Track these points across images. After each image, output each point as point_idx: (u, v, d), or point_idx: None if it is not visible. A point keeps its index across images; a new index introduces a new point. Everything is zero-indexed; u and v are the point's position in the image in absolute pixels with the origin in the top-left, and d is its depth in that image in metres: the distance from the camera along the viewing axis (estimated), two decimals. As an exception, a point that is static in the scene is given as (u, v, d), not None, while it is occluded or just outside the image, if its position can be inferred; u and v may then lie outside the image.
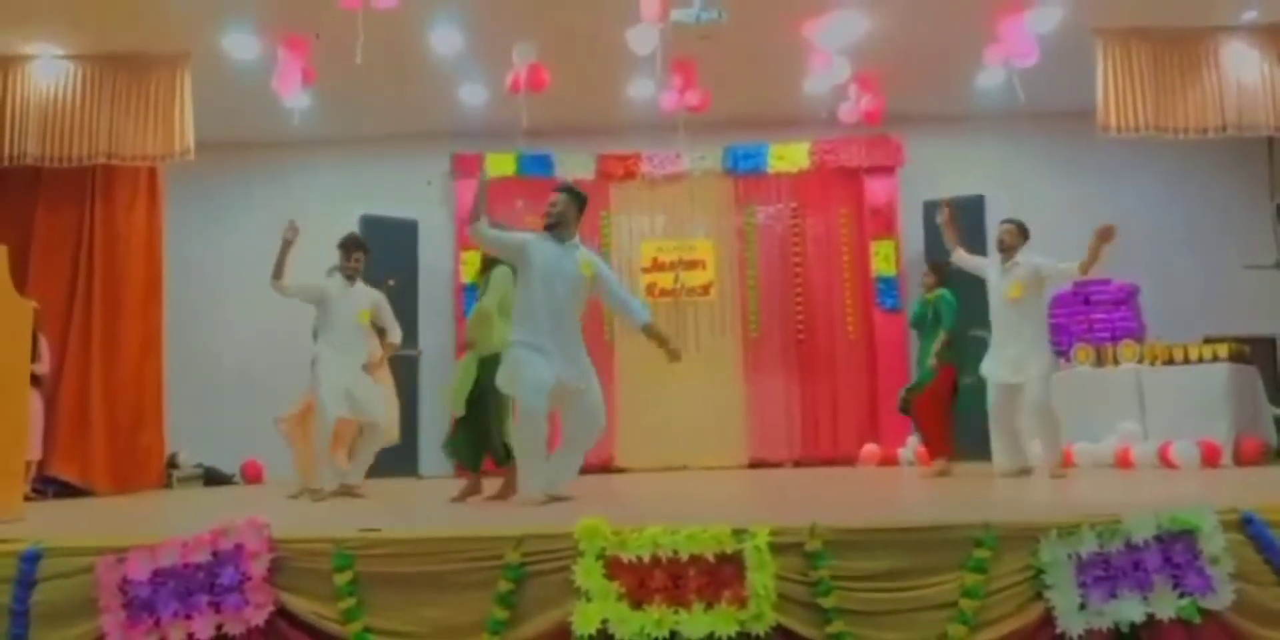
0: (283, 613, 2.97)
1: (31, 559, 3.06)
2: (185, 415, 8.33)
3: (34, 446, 6.55)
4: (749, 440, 9.22)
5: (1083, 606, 2.88)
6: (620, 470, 8.78)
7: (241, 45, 7.25)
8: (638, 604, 2.87)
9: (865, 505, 4.38)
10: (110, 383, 7.62)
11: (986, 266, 6.34)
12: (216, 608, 2.92)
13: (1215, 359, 6.99)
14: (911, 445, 8.35)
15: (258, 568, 2.95)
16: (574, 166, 9.40)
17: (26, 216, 7.65)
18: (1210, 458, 6.44)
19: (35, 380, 6.17)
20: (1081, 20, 7.26)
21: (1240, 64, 7.49)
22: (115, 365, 7.66)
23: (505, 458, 5.19)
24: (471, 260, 9.21)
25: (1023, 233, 6.20)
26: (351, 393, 5.84)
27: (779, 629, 2.87)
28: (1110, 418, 7.07)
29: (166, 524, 4.29)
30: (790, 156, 9.34)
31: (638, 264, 9.51)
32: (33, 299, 5.42)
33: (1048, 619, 2.89)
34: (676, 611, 2.86)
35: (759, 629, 2.84)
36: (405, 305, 8.12)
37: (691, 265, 9.46)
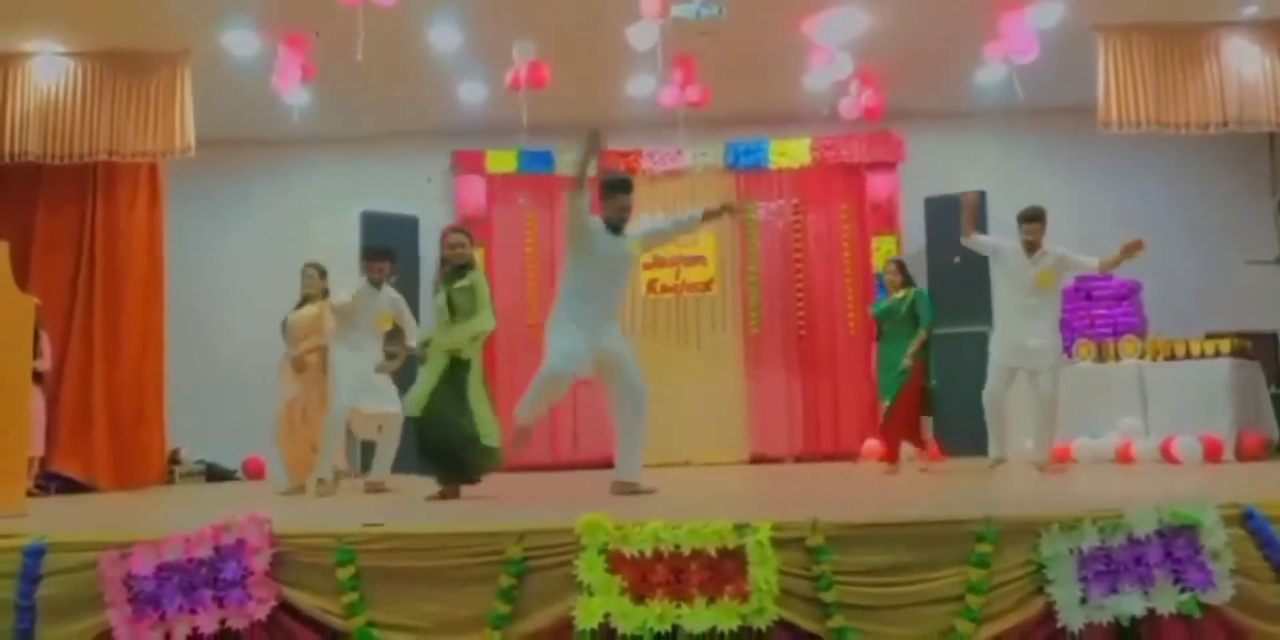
0: (286, 607, 2.98)
1: (35, 554, 3.08)
2: (187, 411, 8.34)
3: (36, 443, 6.56)
4: (750, 436, 9.23)
5: (1084, 601, 2.88)
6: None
7: (241, 42, 7.25)
8: (640, 598, 2.88)
9: (867, 500, 4.39)
10: (112, 379, 7.64)
11: (1004, 252, 6.19)
12: (220, 602, 2.93)
13: (1217, 354, 6.99)
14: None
15: (259, 563, 2.95)
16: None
17: (28, 213, 7.66)
18: (1212, 453, 6.44)
19: (37, 377, 6.18)
20: (1082, 16, 7.26)
21: (1241, 59, 7.48)
22: (117, 362, 7.68)
23: (479, 467, 5.05)
24: (473, 257, 9.24)
25: (1045, 225, 6.11)
26: (369, 387, 5.87)
27: (781, 623, 2.88)
28: (1112, 413, 7.07)
29: (169, 520, 4.30)
30: (791, 152, 9.33)
31: (639, 260, 9.50)
32: (34, 296, 5.42)
33: (1049, 613, 2.90)
34: (679, 606, 2.86)
35: (761, 623, 2.84)
36: (406, 302, 8.10)
37: (693, 261, 9.46)
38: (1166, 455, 6.57)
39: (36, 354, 5.93)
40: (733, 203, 5.27)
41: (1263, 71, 7.46)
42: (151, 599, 2.95)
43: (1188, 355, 7.12)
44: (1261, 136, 8.68)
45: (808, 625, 2.89)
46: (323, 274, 6.36)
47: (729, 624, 2.83)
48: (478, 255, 9.13)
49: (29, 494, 5.30)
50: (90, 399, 7.52)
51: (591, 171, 4.80)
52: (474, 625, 2.93)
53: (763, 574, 2.86)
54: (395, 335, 6.41)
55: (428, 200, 9.45)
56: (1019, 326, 6.05)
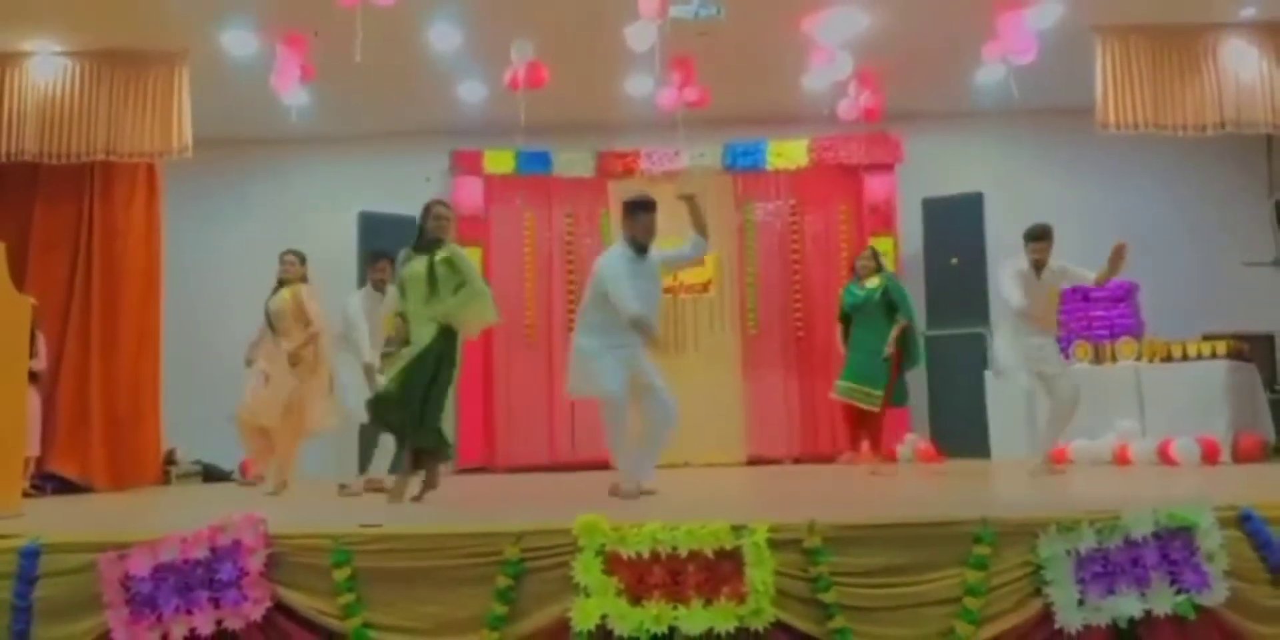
0: (282, 608, 2.98)
1: (31, 555, 3.07)
2: (184, 412, 8.32)
3: (32, 443, 6.54)
4: (748, 437, 9.22)
5: (1081, 602, 2.89)
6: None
7: (240, 42, 7.24)
8: (637, 600, 2.88)
9: (864, 502, 4.39)
10: (108, 379, 7.61)
11: (1025, 281, 6.02)
12: (216, 603, 2.93)
13: (1214, 356, 6.99)
14: (910, 442, 8.35)
15: (255, 563, 2.95)
16: (573, 164, 9.40)
17: (25, 213, 7.64)
18: (1209, 455, 6.45)
19: (33, 377, 6.17)
20: (1080, 17, 7.26)
21: (1239, 61, 7.48)
22: (113, 362, 7.65)
23: (430, 448, 4.92)
24: (471, 256, 9.18)
25: (1052, 242, 6.03)
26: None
27: (779, 625, 2.88)
28: (1108, 415, 7.08)
29: (166, 520, 4.29)
30: (789, 153, 9.33)
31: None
32: (31, 295, 5.41)
33: (1046, 615, 2.90)
34: (675, 607, 2.86)
35: (758, 625, 2.84)
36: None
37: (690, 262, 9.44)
38: (1164, 457, 6.57)
39: (32, 354, 5.92)
40: (688, 194, 5.18)
41: (1260, 73, 7.46)
42: (148, 600, 2.95)
43: (1184, 357, 7.13)
44: (1259, 138, 8.69)
45: (805, 627, 2.89)
46: (302, 260, 6.34)
47: (726, 625, 2.83)
48: (475, 255, 9.26)
49: (25, 494, 5.30)
50: (87, 399, 7.50)
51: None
52: (471, 626, 2.93)
53: (760, 575, 2.86)
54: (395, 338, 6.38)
55: (426, 200, 9.42)
56: (1029, 336, 6.02)
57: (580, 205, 9.57)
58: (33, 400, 6.44)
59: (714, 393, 9.17)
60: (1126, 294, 8.40)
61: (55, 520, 4.36)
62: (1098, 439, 7.04)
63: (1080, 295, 8.41)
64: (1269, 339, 8.30)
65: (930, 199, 9.11)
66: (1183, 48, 7.52)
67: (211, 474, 8.55)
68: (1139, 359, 7.33)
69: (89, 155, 7.29)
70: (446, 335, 4.88)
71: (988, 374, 7.98)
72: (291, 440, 6.15)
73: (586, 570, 2.90)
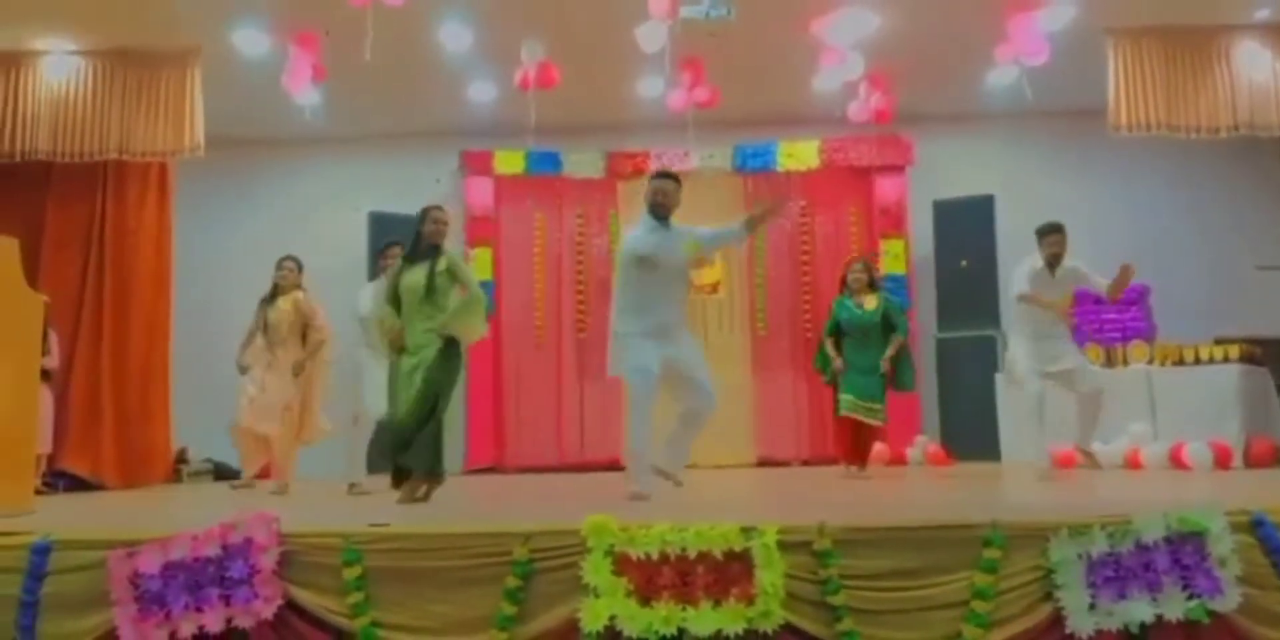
0: (292, 606, 2.99)
1: (42, 551, 3.08)
2: (195, 411, 8.34)
3: (44, 440, 6.57)
4: (757, 438, 9.21)
5: (1092, 607, 2.87)
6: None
7: (252, 41, 7.27)
8: (646, 601, 2.87)
9: (874, 504, 4.37)
10: (120, 377, 7.65)
11: (1040, 283, 6.00)
12: (226, 601, 2.93)
13: (1226, 360, 6.96)
14: (920, 445, 8.33)
15: (267, 561, 2.96)
16: (583, 164, 9.40)
17: (37, 211, 7.68)
18: (1221, 459, 6.41)
19: (45, 374, 6.20)
20: (1092, 19, 7.24)
21: (1252, 63, 7.45)
22: (124, 360, 7.69)
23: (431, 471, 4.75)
24: (482, 257, 9.24)
25: (1066, 236, 6.00)
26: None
27: (787, 627, 2.87)
28: (1120, 419, 7.03)
29: (176, 518, 4.31)
30: (799, 155, 9.32)
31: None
32: (43, 293, 5.44)
33: (1057, 619, 2.89)
34: (684, 609, 2.85)
35: (767, 627, 2.83)
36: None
37: (699, 263, 9.42)
38: (1175, 461, 6.54)
39: (45, 351, 5.95)
40: (772, 204, 5.12)
41: (1274, 75, 7.43)
42: (157, 597, 2.96)
43: (1197, 361, 7.09)
44: (1272, 140, 8.62)
45: (814, 629, 2.88)
46: (299, 267, 6.36)
47: (735, 627, 2.82)
48: (485, 256, 9.27)
49: (37, 492, 5.31)
50: (98, 397, 7.54)
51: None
52: (480, 626, 2.93)
53: (769, 577, 2.85)
54: None
55: (436, 200, 9.43)
56: (1043, 338, 5.98)
57: (590, 206, 9.58)
58: (45, 398, 6.47)
59: (723, 394, 8.98)
60: (1138, 297, 8.36)
61: (67, 517, 4.38)
62: (1109, 443, 7.01)
63: (1092, 298, 8.38)
64: (1281, 343, 8.24)
65: (941, 201, 9.09)
66: (1196, 49, 7.49)
67: (222, 473, 8.58)
68: (1150, 362, 7.29)
69: (101, 154, 7.33)
70: (451, 348, 4.82)
71: (998, 376, 7.95)
72: (292, 445, 6.19)
73: (595, 571, 2.90)
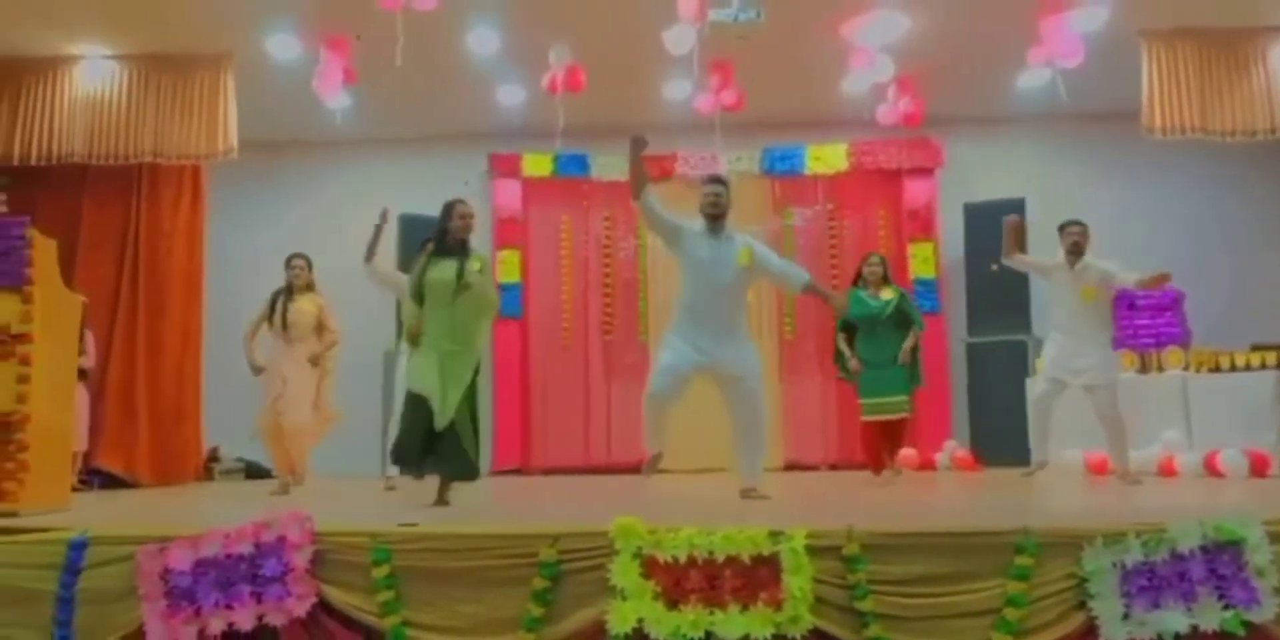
0: (322, 605, 3.01)
1: (78, 547, 3.13)
2: (227, 410, 8.42)
3: (80, 438, 6.67)
4: (784, 443, 9.17)
5: (1126, 616, 2.84)
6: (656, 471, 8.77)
7: (284, 46, 7.34)
8: (673, 604, 2.87)
9: (903, 509, 4.35)
10: (154, 377, 7.76)
11: (1049, 267, 6.09)
12: (259, 598, 2.96)
13: (1263, 366, 6.83)
14: (949, 450, 8.26)
15: (300, 559, 2.98)
16: (610, 167, 9.40)
17: (74, 213, 7.80)
18: (1258, 467, 6.30)
19: (82, 374, 6.28)
20: (1126, 21, 7.16)
21: (1289, 65, 7.34)
22: (158, 359, 7.80)
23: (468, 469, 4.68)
24: (509, 259, 9.28)
25: (1087, 227, 6.00)
26: None
27: (815, 632, 2.86)
28: (1154, 425, 6.94)
29: (210, 515, 4.35)
30: (828, 158, 9.28)
31: (673, 264, 9.49)
32: (79, 293, 5.52)
33: (1090, 628, 2.86)
34: (712, 612, 2.85)
35: (795, 632, 2.82)
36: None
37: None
38: (1210, 469, 6.44)
39: (81, 351, 6.04)
40: (842, 301, 5.25)
41: (1311, 78, 7.31)
42: (187, 593, 2.99)
43: (1232, 367, 6.97)
44: (1310, 144, 8.51)
45: (842, 635, 2.87)
46: (309, 265, 6.41)
47: (763, 632, 2.81)
48: (513, 258, 9.31)
49: (72, 489, 5.39)
50: (133, 396, 7.65)
51: (641, 177, 4.73)
52: (507, 627, 2.94)
53: (797, 582, 2.85)
54: None
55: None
56: (1068, 343, 5.91)
57: (617, 208, 9.58)
58: (81, 397, 6.57)
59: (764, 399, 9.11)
60: (1173, 303, 8.25)
61: (102, 514, 4.45)
62: (1143, 449, 6.92)
63: (1126, 303, 8.28)
64: (1320, 349, 8.09)
65: (971, 204, 9.01)
66: (1231, 52, 7.40)
67: (254, 471, 8.66)
68: (1186, 369, 7.19)
69: (136, 157, 7.43)
70: (476, 352, 4.80)
71: (1029, 382, 7.87)
72: (311, 439, 6.25)
73: (623, 573, 2.90)
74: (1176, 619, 2.83)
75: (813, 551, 2.90)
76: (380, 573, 2.99)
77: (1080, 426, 6.04)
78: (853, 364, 6.44)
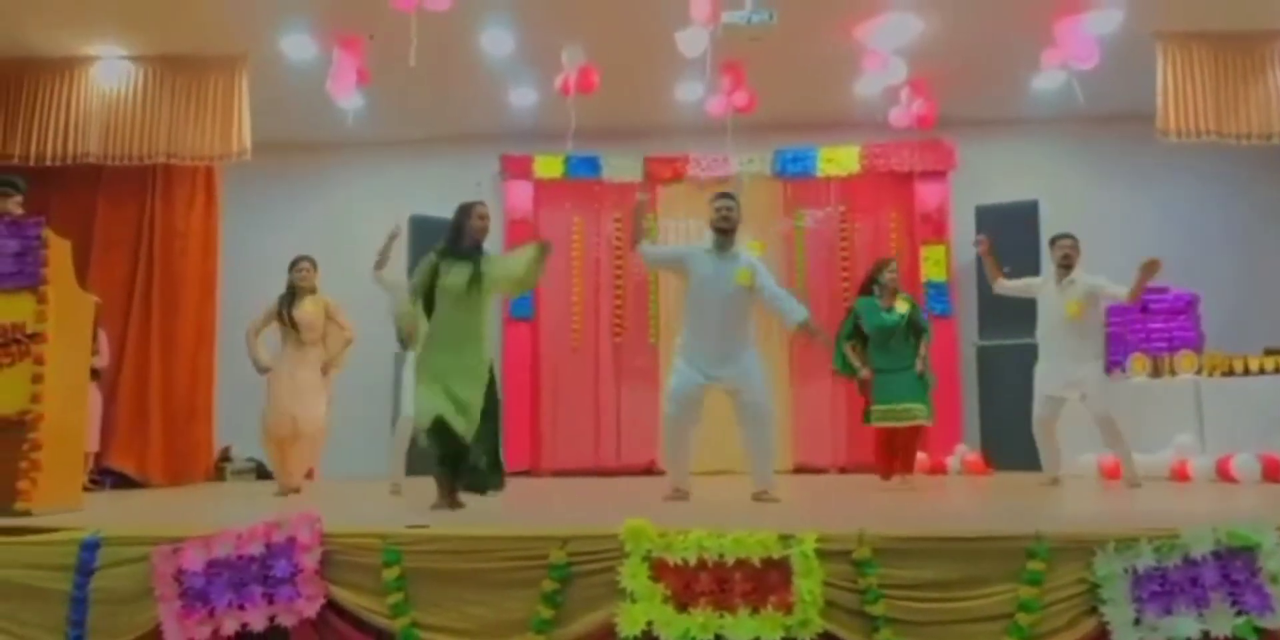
0: (332, 606, 3.02)
1: (91, 547, 3.15)
2: (239, 410, 8.45)
3: (92, 438, 6.70)
4: (794, 445, 9.15)
5: (1138, 622, 2.83)
6: (664, 473, 8.77)
7: (298, 47, 7.36)
8: (683, 607, 2.87)
9: (914, 513, 4.33)
10: (167, 377, 7.79)
11: (1037, 285, 6.26)
12: (270, 599, 2.97)
13: (1276, 370, 6.80)
14: (959, 454, 8.24)
15: (310, 560, 2.99)
16: (622, 168, 9.42)
17: (88, 213, 7.84)
18: (1271, 472, 6.27)
19: (95, 374, 6.32)
20: (1141, 24, 7.12)
21: (1306, 69, 7.29)
22: (172, 360, 7.83)
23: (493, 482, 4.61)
24: (519, 261, 9.29)
25: (1078, 241, 6.12)
26: None
27: (825, 636, 2.85)
28: (1166, 430, 6.91)
29: (221, 516, 4.37)
30: (840, 160, 9.27)
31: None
32: (93, 294, 5.54)
33: (1101, 633, 2.85)
34: (722, 616, 2.85)
35: (805, 636, 2.82)
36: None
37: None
38: (1223, 474, 6.40)
39: (94, 351, 6.07)
40: (825, 339, 5.47)
41: (1328, 81, 7.27)
42: (200, 594, 3.00)
43: (1245, 371, 6.94)
44: (1327, 148, 8.45)
45: (853, 639, 2.86)
46: (315, 267, 6.43)
47: (772, 636, 2.81)
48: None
49: (85, 489, 5.42)
50: (146, 396, 7.68)
51: (637, 231, 5.08)
52: (517, 629, 2.94)
53: (808, 585, 2.84)
54: None
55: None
56: (1060, 359, 6.01)
57: (628, 210, 9.56)
58: (94, 397, 6.59)
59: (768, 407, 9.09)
60: (1186, 306, 8.20)
61: (114, 514, 4.47)
62: (1155, 454, 6.88)
63: (1139, 307, 8.23)
64: (1334, 354, 8.03)
65: (984, 207, 8.98)
66: (1246, 55, 7.36)
67: (265, 472, 8.68)
68: (1199, 373, 7.15)
69: (150, 158, 7.46)
70: (486, 351, 4.72)
71: (1040, 385, 7.84)
72: (319, 442, 6.27)
73: (633, 576, 2.90)
74: (1188, 625, 2.82)
75: (823, 555, 2.89)
76: (390, 574, 3.00)
77: (1094, 431, 6.03)
78: (864, 373, 6.39)
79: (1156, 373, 7.40)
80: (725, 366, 4.91)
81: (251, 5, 6.84)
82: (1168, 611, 2.84)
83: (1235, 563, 2.90)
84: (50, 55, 7.47)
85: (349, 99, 7.43)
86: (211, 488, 7.59)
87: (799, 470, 9.00)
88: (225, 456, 8.46)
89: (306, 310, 6.26)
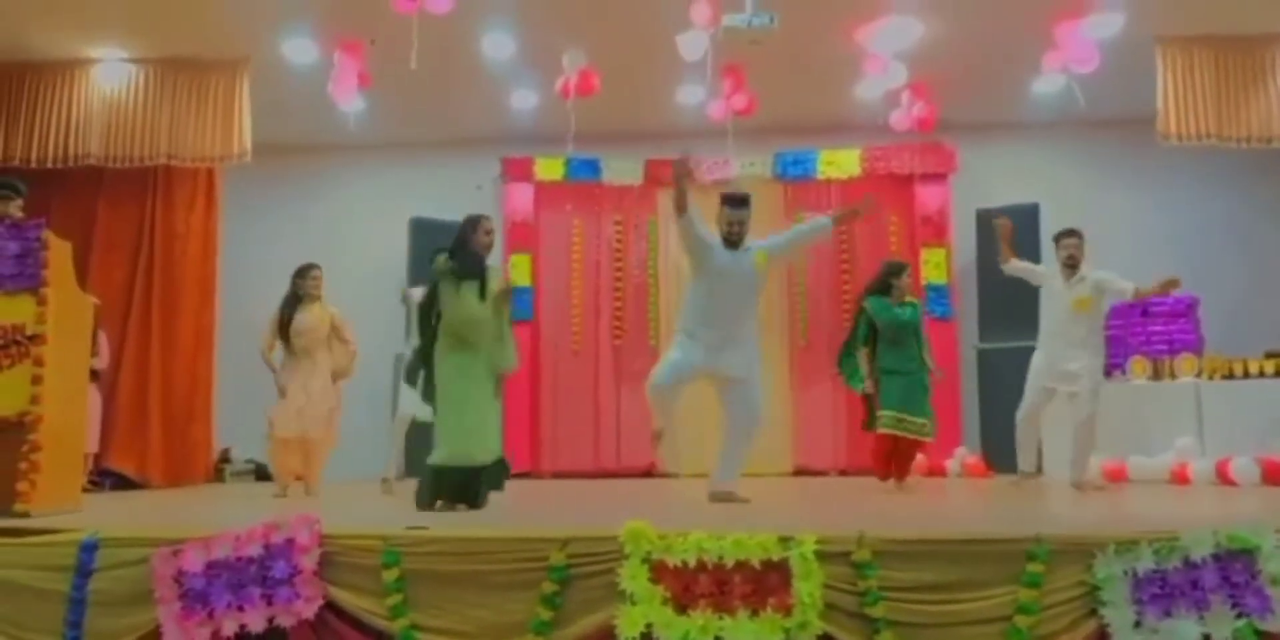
0: (331, 607, 3.02)
1: (89, 549, 3.14)
2: (238, 412, 8.46)
3: (92, 440, 6.70)
4: (795, 448, 9.15)
5: (1138, 624, 2.82)
6: (665, 476, 8.76)
7: (299, 50, 7.37)
8: (682, 609, 2.87)
9: (914, 515, 4.33)
10: (166, 378, 7.80)
11: (1046, 275, 6.21)
12: (268, 600, 2.97)
13: (1277, 374, 6.80)
14: (959, 456, 8.23)
15: (308, 562, 2.99)
16: (622, 171, 9.42)
17: (89, 215, 7.86)
18: (1271, 475, 6.26)
19: (94, 375, 6.32)
20: (1141, 28, 7.13)
21: (1306, 72, 7.30)
22: (171, 361, 7.84)
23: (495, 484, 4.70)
24: (521, 263, 9.29)
25: (1083, 240, 6.09)
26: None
27: (825, 638, 2.85)
28: (1167, 433, 6.91)
29: (220, 517, 4.37)
30: (840, 163, 9.27)
31: (685, 269, 9.50)
32: (93, 295, 5.55)
33: (1101, 636, 2.84)
34: (721, 618, 2.85)
35: (805, 638, 2.81)
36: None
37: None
38: (1223, 477, 6.40)
39: (94, 352, 6.07)
40: (863, 204, 5.44)
41: (1329, 85, 7.27)
42: (200, 596, 3.00)
43: (1246, 374, 6.94)
44: (1327, 151, 8.45)
45: (852, 641, 2.85)
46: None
47: (772, 638, 2.81)
48: (524, 262, 9.33)
49: (84, 490, 5.42)
50: (145, 398, 7.69)
51: (685, 196, 4.92)
52: (516, 631, 2.94)
53: (807, 588, 2.84)
54: None
55: (477, 206, 9.48)
56: (1059, 350, 6.00)
57: (629, 213, 9.59)
58: (94, 398, 6.60)
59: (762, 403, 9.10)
60: (1187, 309, 8.20)
61: (113, 515, 4.46)
62: (1155, 457, 6.88)
63: (1139, 310, 8.23)
64: (1335, 357, 8.03)
65: (984, 210, 8.98)
66: (1247, 59, 7.37)
67: (264, 473, 8.69)
68: (1199, 376, 7.15)
69: (151, 160, 7.47)
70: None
71: (1040, 388, 7.84)
72: (328, 449, 6.28)
73: (632, 578, 2.90)
74: (1189, 627, 2.82)
75: (823, 557, 2.89)
76: (390, 576, 3.00)
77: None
78: (868, 385, 6.35)
79: (1157, 375, 7.40)
80: (729, 354, 4.92)
81: (253, 9, 6.85)
82: (1168, 614, 2.84)
83: (1235, 565, 2.90)
84: (52, 57, 7.48)
85: (350, 102, 7.43)
86: (211, 489, 7.59)
87: (799, 472, 8.99)
88: (224, 458, 8.46)
89: (309, 316, 6.26)
